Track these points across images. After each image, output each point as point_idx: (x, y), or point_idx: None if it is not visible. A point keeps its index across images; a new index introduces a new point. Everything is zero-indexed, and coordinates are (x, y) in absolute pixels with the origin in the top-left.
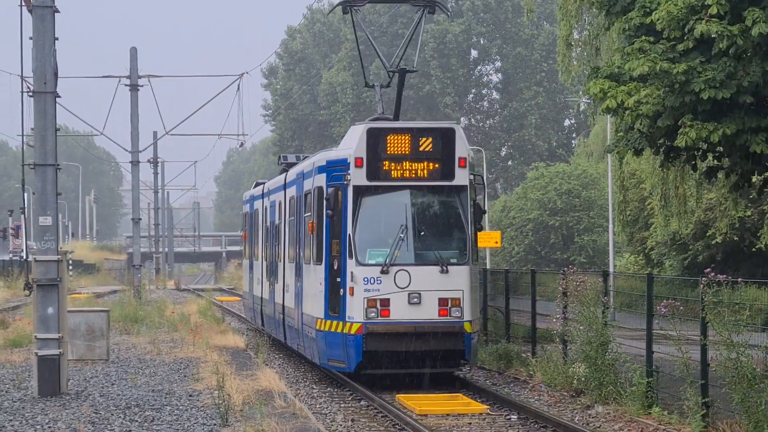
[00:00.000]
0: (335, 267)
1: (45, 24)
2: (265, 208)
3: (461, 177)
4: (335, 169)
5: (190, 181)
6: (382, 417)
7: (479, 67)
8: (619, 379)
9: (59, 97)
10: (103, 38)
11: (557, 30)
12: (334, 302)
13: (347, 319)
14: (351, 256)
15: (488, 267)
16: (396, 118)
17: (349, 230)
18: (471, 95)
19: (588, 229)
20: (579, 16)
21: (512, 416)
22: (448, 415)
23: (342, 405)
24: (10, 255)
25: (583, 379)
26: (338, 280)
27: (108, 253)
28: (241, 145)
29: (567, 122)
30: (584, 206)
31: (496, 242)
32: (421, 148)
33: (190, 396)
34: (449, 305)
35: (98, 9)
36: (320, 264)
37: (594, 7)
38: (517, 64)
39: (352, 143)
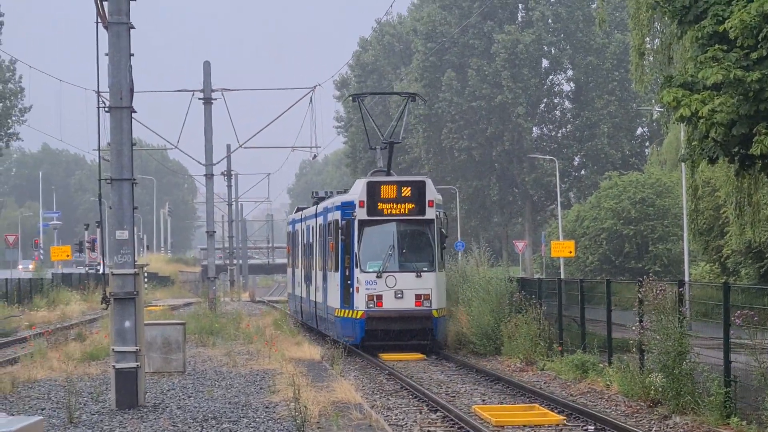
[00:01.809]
0: (347, 273)
1: (120, 40)
2: (303, 230)
3: (430, 213)
4: (347, 208)
5: (263, 194)
6: (458, 428)
7: (551, 77)
8: (696, 389)
9: (135, 112)
10: (177, 53)
11: (629, 39)
12: (347, 297)
13: (355, 308)
14: (357, 266)
15: (563, 276)
16: (388, 172)
17: (356, 249)
18: (543, 105)
19: (662, 238)
20: (651, 24)
21: (589, 427)
22: (524, 426)
23: (418, 417)
24: (87, 268)
25: (660, 389)
26: (349, 282)
27: (182, 266)
28: (314, 157)
29: (639, 131)
30: (658, 215)
31: (570, 252)
32: (403, 194)
33: (267, 408)
34: (422, 299)
35: (172, 23)
36: (338, 272)
37: (666, 16)
38: (589, 73)
39: (357, 191)
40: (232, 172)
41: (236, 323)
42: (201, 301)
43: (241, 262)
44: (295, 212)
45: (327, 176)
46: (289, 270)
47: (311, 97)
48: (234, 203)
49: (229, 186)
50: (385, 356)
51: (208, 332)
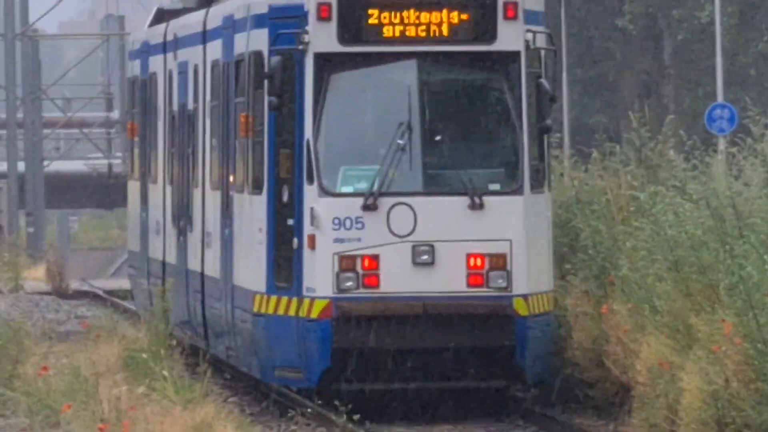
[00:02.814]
0: (285, 199)
1: None
2: (170, 75)
3: (510, 36)
4: (284, 23)
5: None
6: None
7: None
8: None
9: None
10: None
11: None
12: (283, 263)
13: (305, 293)
14: (311, 180)
15: None
16: None
17: (308, 133)
18: None
19: None
20: None
21: None
22: None
23: None
24: None
25: None
26: (290, 222)
27: None
28: None
29: None
30: None
31: None
32: None
33: None
34: (487, 267)
35: None
36: (260, 193)
37: None
38: None
39: None
40: None
41: (11, 362)
42: None
43: (25, 166)
44: (151, 25)
45: None
46: (133, 186)
47: None
48: None
49: None
50: None
51: None
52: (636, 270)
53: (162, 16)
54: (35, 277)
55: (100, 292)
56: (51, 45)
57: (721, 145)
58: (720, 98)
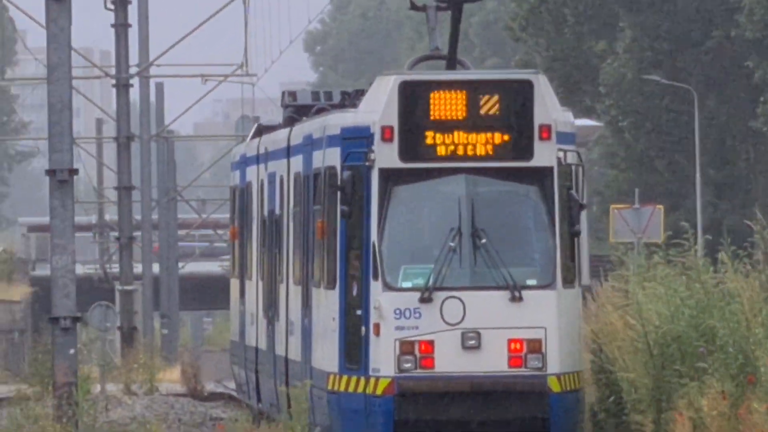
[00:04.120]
0: (354, 293)
1: None
2: (261, 184)
3: (544, 154)
4: (354, 143)
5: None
6: None
7: None
8: None
9: None
10: None
11: None
12: (353, 347)
13: (371, 373)
14: (376, 277)
15: None
16: (451, 60)
17: (374, 236)
18: None
19: None
20: None
21: None
22: None
23: None
24: None
25: None
26: (359, 313)
27: None
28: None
29: None
30: None
31: None
32: (483, 111)
33: None
34: (525, 350)
35: None
36: (333, 288)
37: None
38: None
39: (378, 104)
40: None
41: None
42: (27, 394)
43: (160, 268)
44: (251, 138)
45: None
46: (234, 283)
47: None
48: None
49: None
50: None
51: None
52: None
53: (260, 131)
54: (170, 378)
55: (235, 394)
56: (186, 146)
57: None
58: None
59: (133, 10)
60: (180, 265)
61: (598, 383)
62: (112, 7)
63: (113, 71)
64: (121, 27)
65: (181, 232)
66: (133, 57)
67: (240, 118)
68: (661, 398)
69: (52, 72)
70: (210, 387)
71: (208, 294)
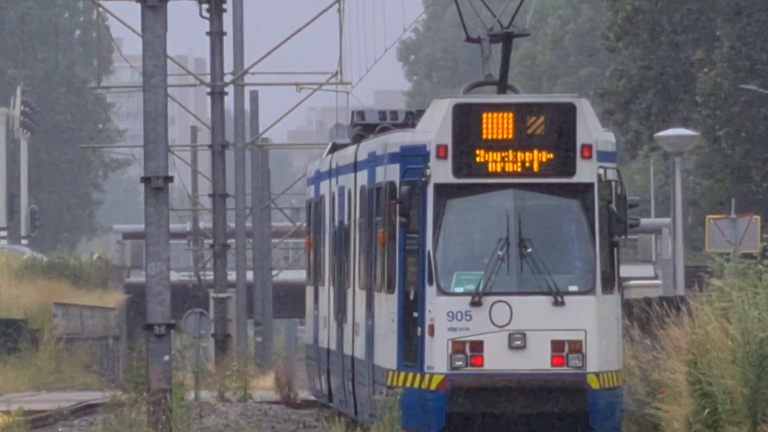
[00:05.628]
0: (411, 297)
1: None
2: (333, 197)
3: (586, 171)
4: (411, 160)
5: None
6: None
7: None
8: None
9: None
10: None
11: None
12: (410, 346)
13: (426, 370)
14: (431, 282)
15: None
16: (502, 85)
17: (429, 246)
18: None
19: None
20: None
21: None
22: None
23: None
24: None
25: None
26: (415, 315)
27: (67, 289)
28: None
29: None
30: None
31: None
32: (529, 131)
33: None
34: (566, 350)
35: None
36: (392, 292)
37: None
38: None
39: (434, 124)
40: None
41: None
42: (122, 400)
43: (254, 275)
44: (327, 154)
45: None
46: (309, 290)
47: None
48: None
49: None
50: None
51: None
52: None
53: (334, 148)
54: (263, 386)
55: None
56: (280, 154)
57: None
58: None
59: (228, 18)
60: (274, 272)
61: (693, 394)
62: (207, 15)
63: (208, 79)
64: (216, 35)
65: (275, 240)
66: (228, 65)
67: (334, 126)
68: (758, 410)
69: (148, 80)
70: (303, 394)
71: (302, 301)
